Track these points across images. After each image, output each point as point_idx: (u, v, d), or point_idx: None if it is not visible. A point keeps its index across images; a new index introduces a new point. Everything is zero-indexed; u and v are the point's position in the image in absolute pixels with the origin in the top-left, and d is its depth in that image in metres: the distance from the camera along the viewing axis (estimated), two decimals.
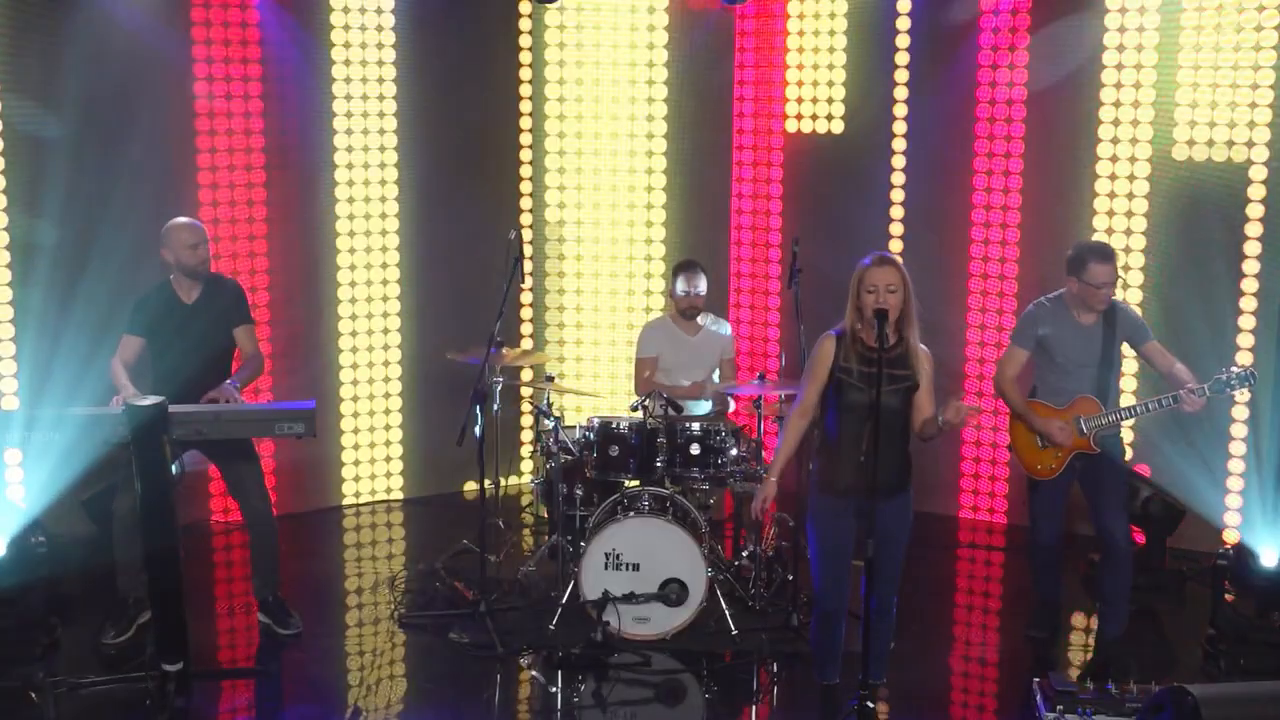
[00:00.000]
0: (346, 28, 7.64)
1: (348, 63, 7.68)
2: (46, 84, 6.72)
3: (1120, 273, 5.99)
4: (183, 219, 6.17)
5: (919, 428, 5.04)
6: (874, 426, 4.81)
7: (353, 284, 7.87)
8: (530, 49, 8.08)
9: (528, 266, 8.13)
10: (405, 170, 7.88)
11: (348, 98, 7.71)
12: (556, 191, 8.23)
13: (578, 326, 8.33)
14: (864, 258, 5.00)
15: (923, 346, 5.03)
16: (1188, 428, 6.81)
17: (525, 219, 8.19)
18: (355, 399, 7.97)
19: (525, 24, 8.05)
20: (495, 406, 6.81)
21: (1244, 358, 6.92)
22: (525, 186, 8.20)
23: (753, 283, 8.35)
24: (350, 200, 7.80)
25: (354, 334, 7.92)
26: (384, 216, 7.89)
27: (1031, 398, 5.96)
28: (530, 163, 8.18)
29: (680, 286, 7.04)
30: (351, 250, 7.83)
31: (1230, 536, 6.97)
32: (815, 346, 5.07)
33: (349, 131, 7.72)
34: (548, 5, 7.94)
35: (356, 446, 8.02)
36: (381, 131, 7.80)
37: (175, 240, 6.04)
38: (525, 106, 8.13)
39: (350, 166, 7.76)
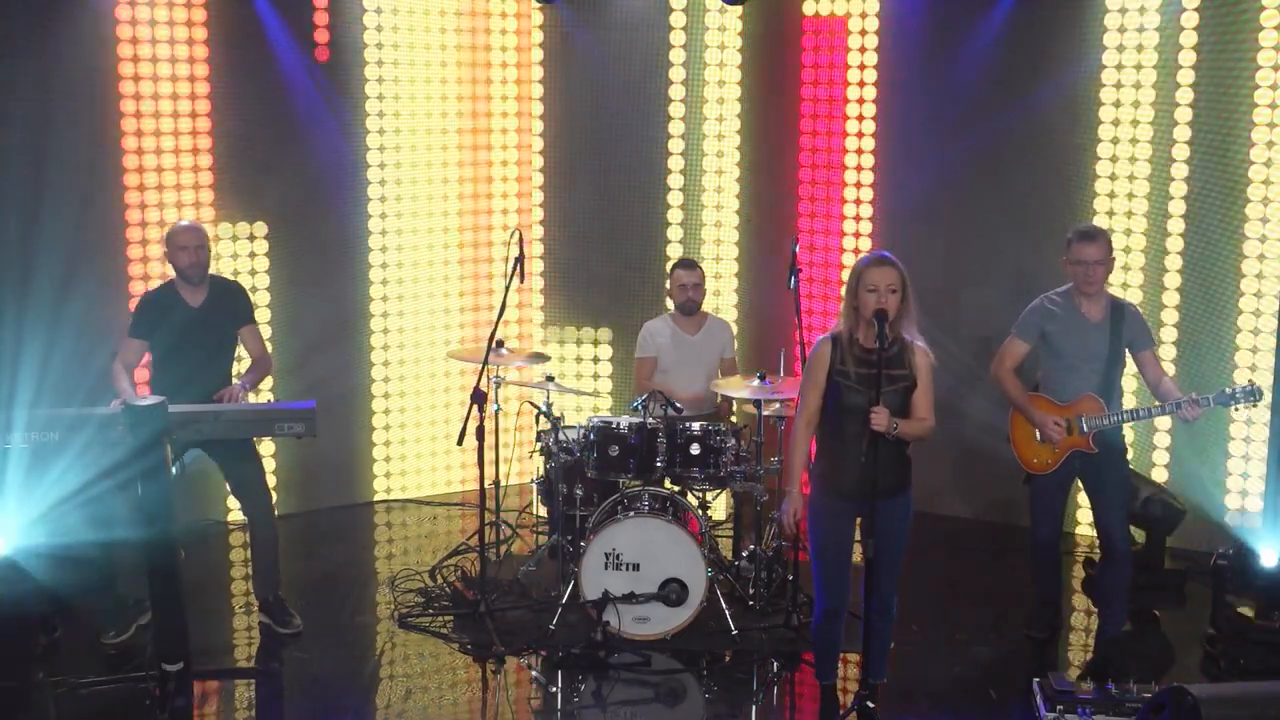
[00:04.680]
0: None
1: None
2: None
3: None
4: (183, 222, 6.29)
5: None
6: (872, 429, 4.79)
7: (354, 284, 7.89)
8: (519, 48, 8.12)
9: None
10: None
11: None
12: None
13: (577, 326, 8.33)
14: (863, 257, 4.99)
15: (921, 344, 4.99)
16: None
17: (537, 214, 8.23)
18: (356, 398, 7.98)
19: (517, 24, 8.10)
20: (495, 406, 6.82)
21: (1243, 358, 6.95)
22: (511, 187, 8.25)
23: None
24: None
25: (354, 333, 7.94)
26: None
27: (1034, 392, 5.96)
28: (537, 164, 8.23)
29: (678, 284, 7.06)
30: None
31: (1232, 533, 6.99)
32: (812, 351, 5.04)
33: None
34: (549, 4, 7.96)
35: (356, 446, 8.03)
36: (398, 131, 7.88)
37: (171, 242, 6.12)
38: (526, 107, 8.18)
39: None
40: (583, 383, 8.15)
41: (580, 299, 8.26)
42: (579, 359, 8.29)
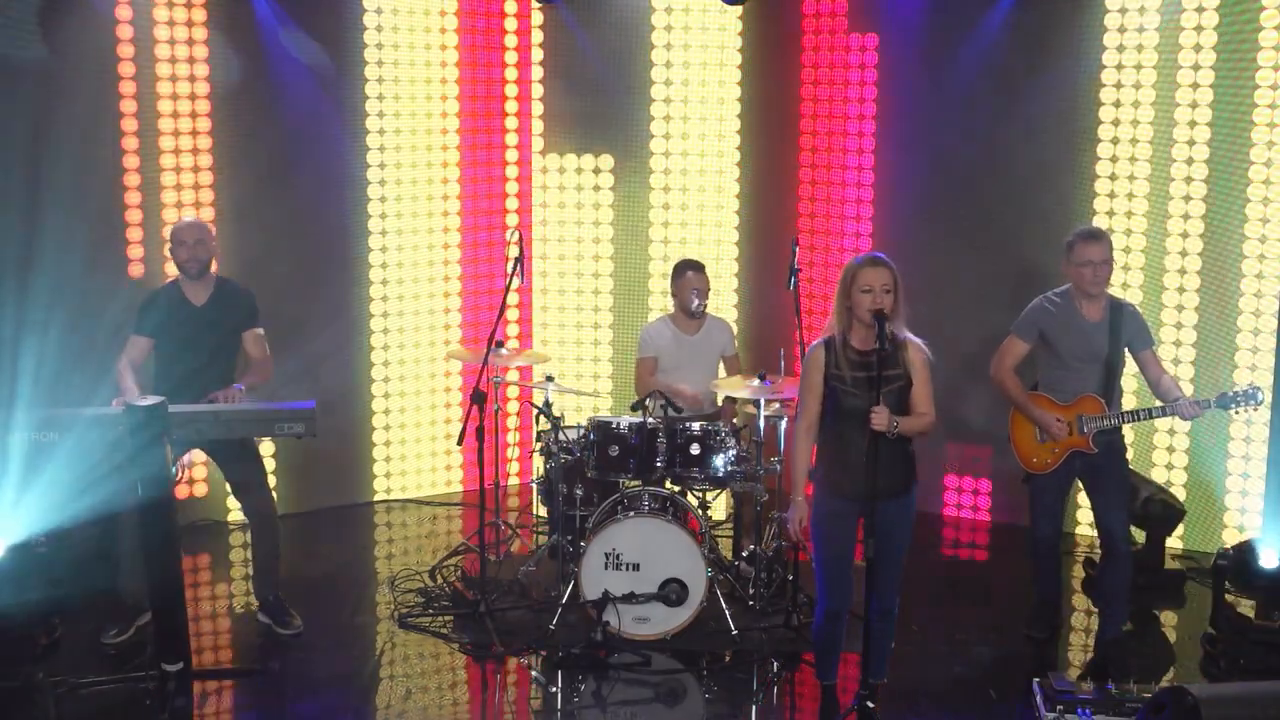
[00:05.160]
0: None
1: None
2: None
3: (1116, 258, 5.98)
4: (187, 219, 6.35)
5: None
6: (873, 429, 4.79)
7: (353, 284, 7.89)
8: (519, 48, 8.13)
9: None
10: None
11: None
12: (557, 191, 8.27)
13: (577, 327, 8.34)
14: (855, 258, 4.98)
15: (915, 339, 4.99)
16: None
17: (537, 214, 8.24)
18: (355, 398, 7.98)
19: (517, 24, 8.10)
20: (495, 406, 6.81)
21: (1243, 358, 6.96)
22: (511, 187, 8.24)
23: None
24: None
25: (353, 333, 7.94)
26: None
27: (1034, 391, 5.96)
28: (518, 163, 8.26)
29: (691, 288, 7.00)
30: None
31: (1230, 537, 7.00)
32: (807, 357, 5.04)
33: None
34: (549, 4, 7.96)
35: (356, 446, 8.03)
36: (398, 131, 7.90)
37: (172, 238, 6.19)
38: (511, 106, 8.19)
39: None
40: (583, 383, 8.16)
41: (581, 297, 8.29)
42: (579, 360, 8.31)
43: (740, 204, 8.24)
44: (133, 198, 7.22)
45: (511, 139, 8.19)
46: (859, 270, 4.88)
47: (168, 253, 6.25)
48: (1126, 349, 5.83)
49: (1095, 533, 6.08)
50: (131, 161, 7.20)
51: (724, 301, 8.21)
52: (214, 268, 6.26)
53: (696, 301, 6.97)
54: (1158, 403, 5.85)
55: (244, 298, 6.27)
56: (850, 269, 4.92)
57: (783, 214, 8.17)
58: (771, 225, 8.17)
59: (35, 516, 5.98)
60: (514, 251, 6.50)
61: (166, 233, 6.37)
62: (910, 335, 4.97)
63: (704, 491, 6.51)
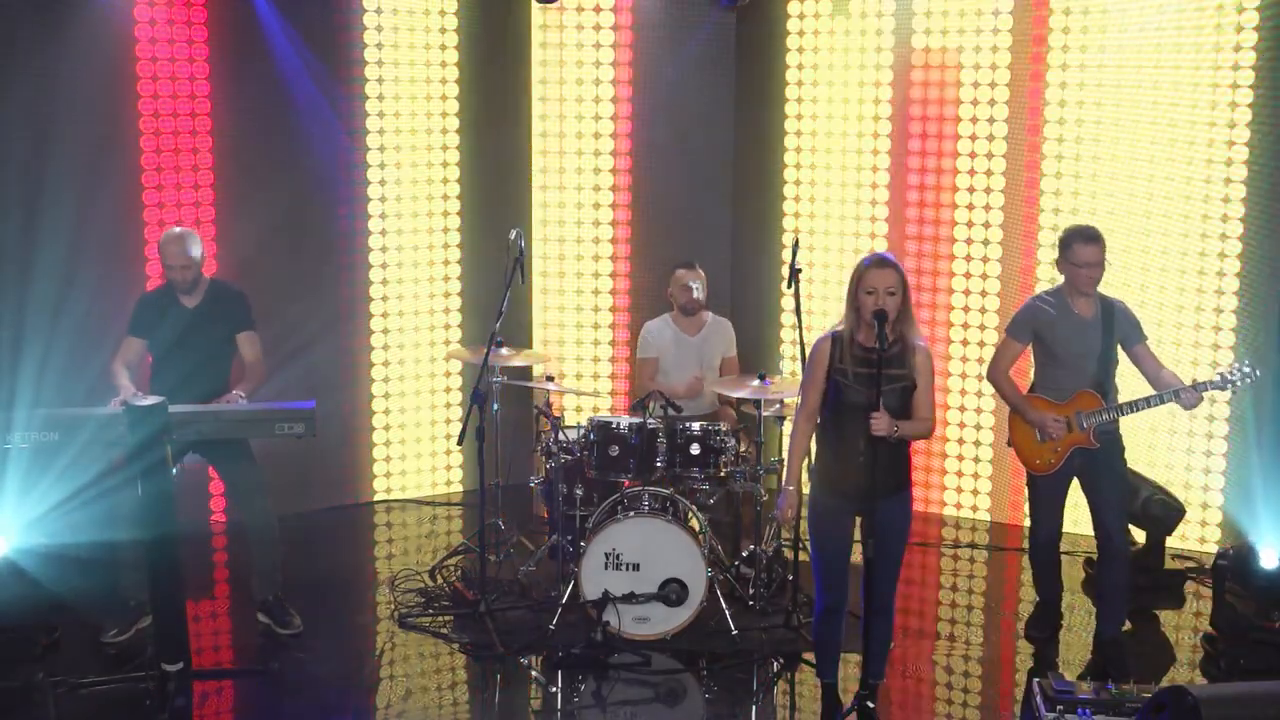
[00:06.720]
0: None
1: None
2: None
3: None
4: (175, 230, 6.26)
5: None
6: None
7: (352, 284, 7.89)
8: (519, 48, 8.12)
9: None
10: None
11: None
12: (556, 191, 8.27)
13: (577, 327, 8.33)
14: (864, 258, 5.00)
15: (922, 344, 5.01)
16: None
17: (537, 214, 8.23)
18: (355, 399, 7.97)
19: (517, 24, 8.10)
20: (495, 406, 6.81)
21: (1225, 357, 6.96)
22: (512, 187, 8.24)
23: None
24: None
25: (353, 334, 7.93)
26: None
27: (1031, 392, 5.97)
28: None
29: (681, 284, 7.04)
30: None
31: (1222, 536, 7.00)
32: (812, 349, 5.06)
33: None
34: (548, 5, 7.95)
35: (356, 446, 8.02)
36: (398, 131, 7.87)
37: (162, 254, 6.14)
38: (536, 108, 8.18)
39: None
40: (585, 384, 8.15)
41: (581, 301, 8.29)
42: (579, 360, 8.31)
43: (732, 203, 8.25)
44: (134, 197, 7.20)
45: (511, 138, 8.18)
46: (865, 271, 4.91)
47: (161, 265, 6.19)
48: (1120, 345, 5.83)
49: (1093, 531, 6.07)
50: (133, 161, 7.18)
51: (720, 301, 8.20)
52: (207, 270, 6.24)
53: (686, 297, 6.99)
54: (1154, 394, 5.81)
55: (235, 300, 6.26)
56: (858, 269, 4.95)
57: (776, 213, 8.19)
58: (763, 224, 8.20)
59: (36, 517, 6.00)
60: (515, 252, 6.49)
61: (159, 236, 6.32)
62: (920, 341, 5.00)
63: (703, 492, 6.51)
